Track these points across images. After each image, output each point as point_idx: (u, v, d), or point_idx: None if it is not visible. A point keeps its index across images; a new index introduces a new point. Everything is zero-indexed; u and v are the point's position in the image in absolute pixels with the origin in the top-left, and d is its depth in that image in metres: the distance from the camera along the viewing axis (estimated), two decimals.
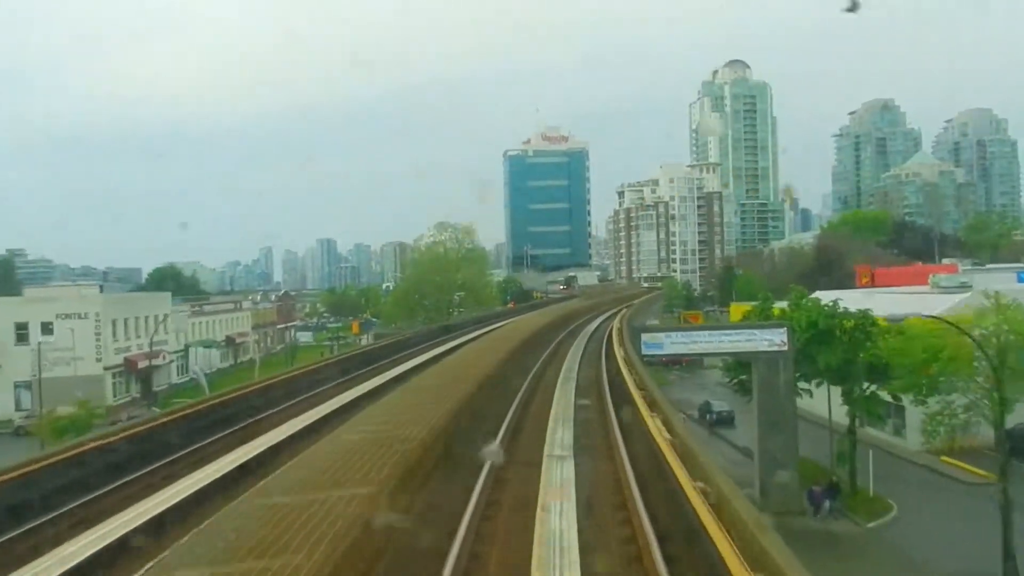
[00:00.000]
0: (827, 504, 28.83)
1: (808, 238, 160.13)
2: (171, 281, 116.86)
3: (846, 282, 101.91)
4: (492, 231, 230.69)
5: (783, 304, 39.29)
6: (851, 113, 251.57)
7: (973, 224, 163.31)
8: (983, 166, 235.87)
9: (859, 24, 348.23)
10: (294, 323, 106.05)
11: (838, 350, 31.55)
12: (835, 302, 33.96)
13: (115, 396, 54.85)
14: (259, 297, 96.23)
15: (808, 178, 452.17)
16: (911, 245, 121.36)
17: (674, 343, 34.00)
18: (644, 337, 32.81)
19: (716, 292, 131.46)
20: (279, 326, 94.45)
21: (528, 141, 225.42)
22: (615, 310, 53.47)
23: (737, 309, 52.55)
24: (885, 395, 32.23)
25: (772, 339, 31.27)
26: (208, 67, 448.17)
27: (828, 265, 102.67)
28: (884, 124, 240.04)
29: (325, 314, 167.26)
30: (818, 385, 33.97)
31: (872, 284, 69.03)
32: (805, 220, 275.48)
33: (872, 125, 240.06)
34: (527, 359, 25.24)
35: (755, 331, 32.55)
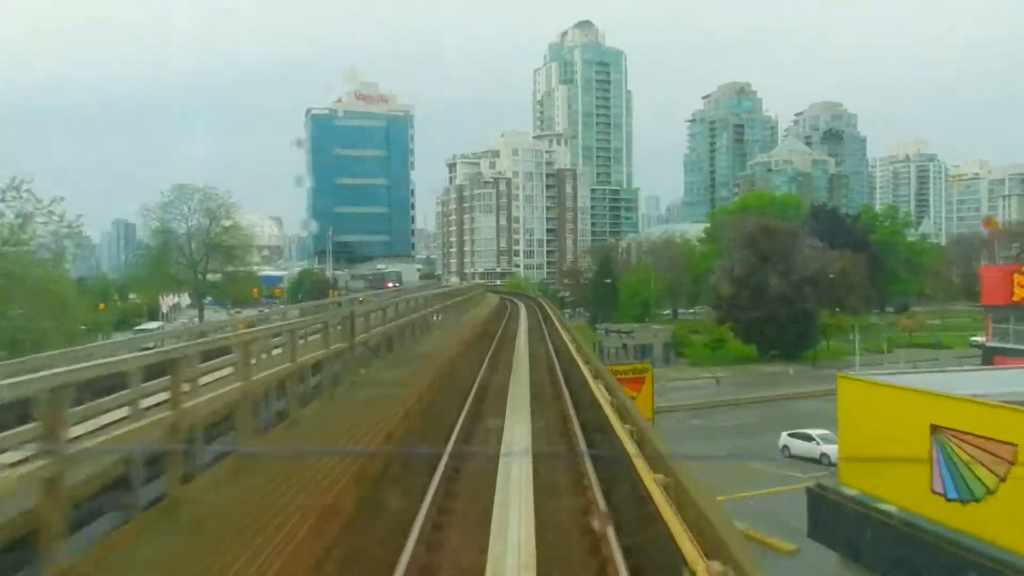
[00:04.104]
0: None
1: (687, 229, 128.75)
2: None
3: (804, 289, 68.32)
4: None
5: None
6: (705, 97, 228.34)
7: (863, 218, 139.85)
8: (835, 161, 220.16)
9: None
10: None
11: None
12: None
13: None
14: None
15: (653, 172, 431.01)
16: (831, 236, 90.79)
17: None
18: None
19: (583, 298, 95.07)
20: None
21: (339, 100, 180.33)
22: None
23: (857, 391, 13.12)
24: None
25: None
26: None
27: (762, 262, 68.15)
28: (741, 110, 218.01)
29: None
30: None
31: None
32: None
33: (729, 110, 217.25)
34: None
35: None
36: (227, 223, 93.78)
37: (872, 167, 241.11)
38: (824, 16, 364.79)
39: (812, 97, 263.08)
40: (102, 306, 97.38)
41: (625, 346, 65.25)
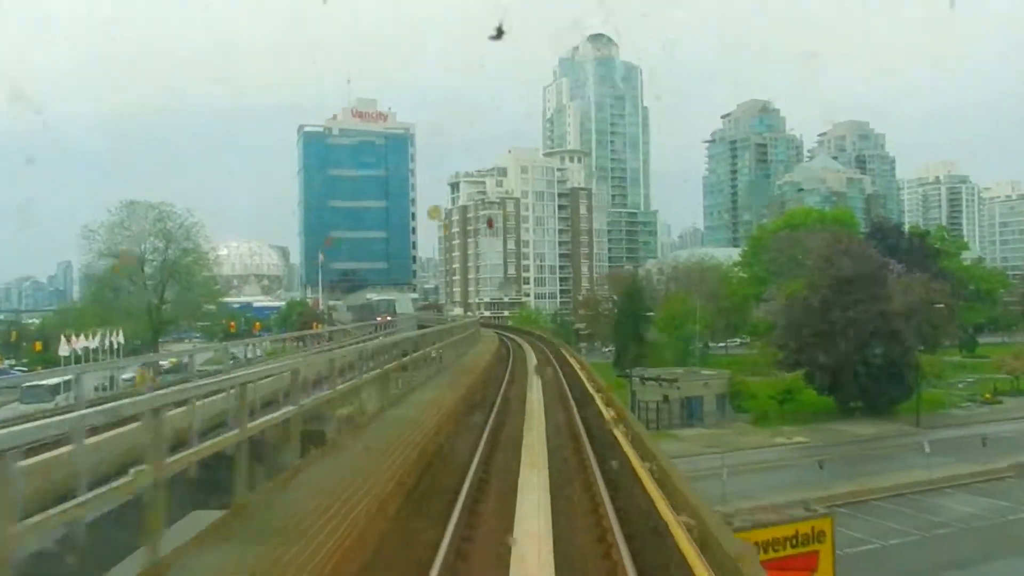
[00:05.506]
0: None
1: (714, 254, 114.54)
2: None
3: (897, 324, 53.39)
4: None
5: None
6: (724, 116, 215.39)
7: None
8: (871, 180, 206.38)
9: (724, 16, 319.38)
10: None
11: None
12: None
13: None
14: None
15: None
16: (900, 259, 75.90)
17: None
18: None
19: (603, 333, 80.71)
20: None
21: (334, 117, 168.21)
22: None
23: None
24: None
25: None
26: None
27: (840, 291, 53.73)
28: (763, 129, 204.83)
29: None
30: None
31: None
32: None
33: (750, 129, 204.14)
34: None
35: None
36: (188, 245, 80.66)
37: (900, 189, 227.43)
38: (845, 34, 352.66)
39: (836, 116, 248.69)
40: (38, 345, 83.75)
41: (667, 398, 50.81)
